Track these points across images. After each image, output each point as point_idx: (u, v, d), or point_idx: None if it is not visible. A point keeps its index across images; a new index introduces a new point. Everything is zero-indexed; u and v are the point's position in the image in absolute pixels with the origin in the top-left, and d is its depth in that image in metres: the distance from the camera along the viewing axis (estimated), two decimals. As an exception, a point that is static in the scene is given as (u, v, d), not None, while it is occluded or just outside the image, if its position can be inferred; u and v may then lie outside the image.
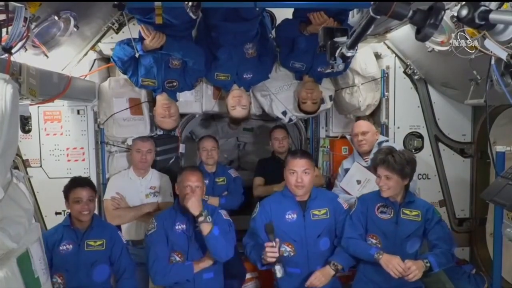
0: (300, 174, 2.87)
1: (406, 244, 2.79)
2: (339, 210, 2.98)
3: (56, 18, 2.53)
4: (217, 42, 3.55)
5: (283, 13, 3.76)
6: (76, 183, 2.92)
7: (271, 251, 2.65)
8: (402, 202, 2.84)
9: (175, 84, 3.64)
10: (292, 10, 3.67)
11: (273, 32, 3.84)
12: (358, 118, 4.65)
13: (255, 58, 3.69)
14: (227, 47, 3.55)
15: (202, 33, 3.57)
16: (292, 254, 2.87)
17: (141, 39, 3.28)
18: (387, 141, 3.74)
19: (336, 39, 2.22)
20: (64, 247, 2.85)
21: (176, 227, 2.96)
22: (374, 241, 2.85)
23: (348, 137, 3.92)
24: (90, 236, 2.92)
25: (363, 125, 3.68)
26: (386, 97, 4.01)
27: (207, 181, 3.74)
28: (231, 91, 3.84)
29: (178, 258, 2.93)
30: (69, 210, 2.93)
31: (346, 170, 3.74)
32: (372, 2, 1.58)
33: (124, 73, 3.57)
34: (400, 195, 2.84)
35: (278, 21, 3.82)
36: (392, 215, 2.84)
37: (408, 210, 2.83)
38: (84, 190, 2.87)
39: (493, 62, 2.10)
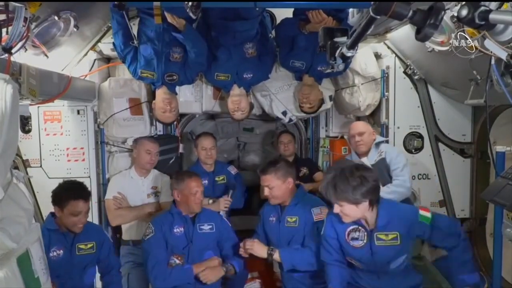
0: (265, 189, 2.99)
1: (388, 266, 2.53)
2: (308, 221, 2.94)
3: (56, 18, 2.53)
4: (217, 41, 3.55)
5: (283, 13, 3.76)
6: (77, 195, 2.73)
7: None
8: (374, 227, 2.46)
9: (175, 77, 3.63)
10: (291, 10, 3.66)
11: (273, 32, 3.84)
12: (358, 118, 4.66)
13: (255, 58, 3.69)
14: (227, 46, 3.55)
15: (202, 33, 3.57)
16: None
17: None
18: (385, 141, 3.73)
19: (336, 39, 2.22)
20: (55, 253, 2.73)
21: (175, 230, 3.00)
22: (354, 263, 2.62)
23: (345, 137, 3.93)
24: (81, 240, 2.84)
25: (360, 126, 3.67)
26: (386, 97, 4.00)
27: (206, 181, 3.74)
28: (231, 95, 3.85)
29: (177, 261, 2.96)
30: (53, 211, 2.81)
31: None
32: (372, 2, 1.58)
33: (123, 61, 3.55)
34: (370, 217, 2.46)
35: (278, 21, 3.81)
36: (365, 241, 2.48)
37: (384, 234, 2.44)
38: (85, 203, 2.76)
39: (493, 62, 2.09)
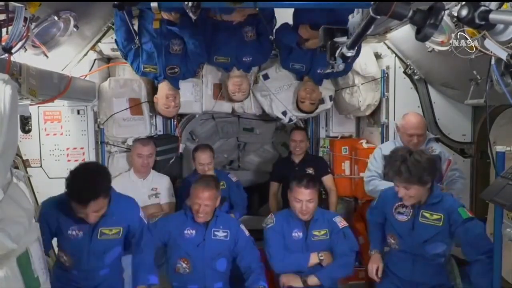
0: (305, 203, 3.00)
1: (425, 247, 2.65)
2: (335, 230, 3.09)
3: (56, 18, 2.53)
4: (215, 25, 3.54)
5: (283, 13, 3.75)
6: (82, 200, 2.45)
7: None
8: (424, 203, 2.63)
9: (176, 70, 3.62)
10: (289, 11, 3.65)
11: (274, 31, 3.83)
12: (358, 118, 4.66)
13: (254, 41, 3.68)
14: (226, 30, 3.54)
15: (200, 15, 3.56)
16: None
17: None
18: (437, 139, 3.69)
19: (336, 39, 2.23)
20: (74, 232, 2.56)
21: (185, 232, 2.95)
22: (392, 241, 2.79)
23: (394, 124, 3.80)
24: (106, 224, 2.61)
25: (420, 126, 3.44)
26: (386, 97, 4.00)
27: None
28: (231, 77, 3.86)
29: (184, 265, 2.92)
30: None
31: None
32: (372, 2, 1.58)
33: (125, 57, 3.55)
34: (424, 198, 2.63)
35: (278, 20, 3.79)
36: (409, 216, 2.66)
37: (429, 213, 2.59)
38: (96, 203, 2.44)
39: (493, 62, 2.09)
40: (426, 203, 2.61)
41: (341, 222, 3.13)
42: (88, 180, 2.42)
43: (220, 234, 2.97)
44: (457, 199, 2.80)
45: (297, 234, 3.08)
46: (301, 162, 4.19)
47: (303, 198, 2.99)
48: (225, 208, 3.77)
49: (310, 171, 4.13)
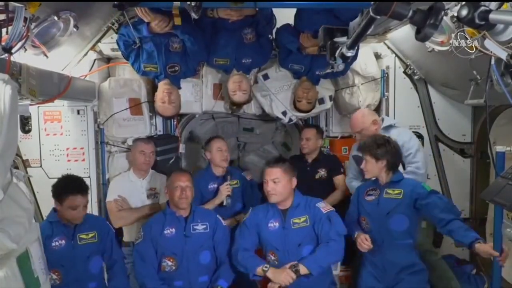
0: (269, 183, 2.88)
1: (389, 222, 2.90)
2: (318, 216, 2.92)
3: (55, 18, 2.53)
4: (215, 26, 3.53)
5: (283, 13, 3.75)
6: (75, 189, 2.80)
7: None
8: (387, 183, 2.98)
9: (177, 68, 3.62)
10: (290, 11, 3.64)
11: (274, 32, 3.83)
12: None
13: (254, 43, 3.67)
14: (225, 32, 3.54)
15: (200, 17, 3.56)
16: (276, 263, 2.87)
17: (147, 22, 3.29)
18: (395, 124, 3.57)
19: (336, 39, 2.23)
20: (57, 243, 2.80)
21: (165, 232, 2.96)
22: (363, 222, 3.04)
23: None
24: (82, 230, 2.90)
25: (357, 124, 3.53)
26: (386, 97, 4.00)
27: (215, 185, 3.62)
28: (231, 77, 3.86)
29: (170, 263, 2.93)
30: (54, 206, 2.87)
31: (355, 157, 3.61)
32: (372, 2, 1.58)
33: (127, 58, 3.56)
34: (385, 177, 2.97)
35: (278, 20, 3.79)
36: (376, 196, 3.00)
37: (392, 190, 2.95)
38: (83, 197, 2.82)
39: (493, 62, 2.09)
40: (388, 182, 2.97)
41: (325, 207, 2.96)
42: (76, 177, 2.95)
43: (200, 227, 2.99)
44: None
45: (273, 224, 2.92)
46: (314, 161, 4.03)
47: (268, 178, 2.88)
48: (238, 208, 3.67)
49: (322, 171, 3.98)
